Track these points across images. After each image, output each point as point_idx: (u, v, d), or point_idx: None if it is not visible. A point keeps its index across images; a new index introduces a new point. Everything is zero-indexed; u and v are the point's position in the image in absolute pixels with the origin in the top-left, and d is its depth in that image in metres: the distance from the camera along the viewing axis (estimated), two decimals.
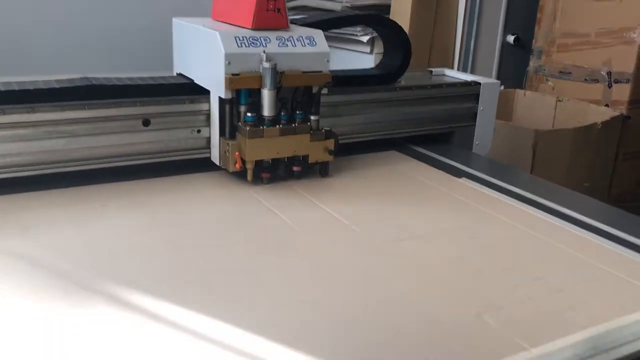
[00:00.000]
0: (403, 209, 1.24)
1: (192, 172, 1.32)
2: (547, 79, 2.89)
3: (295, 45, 1.26)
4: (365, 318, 0.84)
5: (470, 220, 1.20)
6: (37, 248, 0.97)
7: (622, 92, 2.60)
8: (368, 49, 3.04)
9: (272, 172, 1.29)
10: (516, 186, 1.42)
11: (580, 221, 1.22)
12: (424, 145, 1.73)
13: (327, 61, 1.30)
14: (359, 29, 2.94)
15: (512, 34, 3.08)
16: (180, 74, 1.44)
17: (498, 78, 3.13)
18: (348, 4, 2.88)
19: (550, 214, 1.25)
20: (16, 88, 1.18)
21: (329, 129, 1.32)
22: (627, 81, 2.58)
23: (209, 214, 1.15)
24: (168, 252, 0.99)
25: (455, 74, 1.88)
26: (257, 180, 1.28)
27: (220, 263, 0.97)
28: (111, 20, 2.82)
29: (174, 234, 1.05)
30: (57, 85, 1.21)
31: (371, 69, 1.73)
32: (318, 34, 1.31)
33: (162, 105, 1.26)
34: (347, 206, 1.21)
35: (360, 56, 3.01)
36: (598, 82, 2.67)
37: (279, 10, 1.25)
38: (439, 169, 1.54)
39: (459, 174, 1.51)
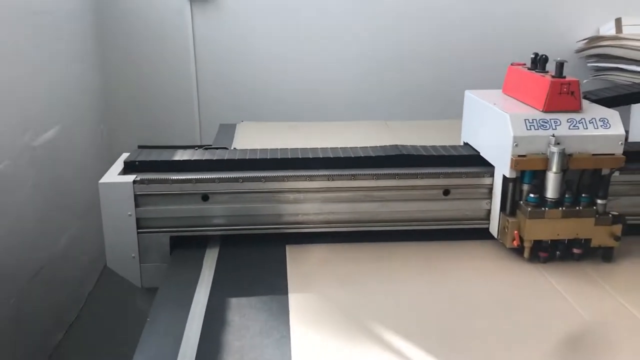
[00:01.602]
0: None
1: (473, 238, 1.41)
2: None
3: (587, 128, 1.25)
4: None
5: None
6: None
7: None
8: None
9: (551, 252, 1.29)
10: None
11: None
12: None
13: (621, 144, 1.25)
14: None
15: None
16: (466, 144, 1.53)
17: None
18: None
19: None
20: (341, 155, 1.43)
21: (617, 213, 1.27)
22: None
23: (487, 284, 1.23)
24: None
25: None
26: (535, 258, 1.29)
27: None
28: None
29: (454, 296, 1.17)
30: (372, 154, 1.43)
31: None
32: (613, 115, 1.27)
33: (462, 178, 1.39)
34: (636, 296, 1.15)
35: None
36: None
37: (572, 93, 1.26)
38: None
39: None
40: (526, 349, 1.01)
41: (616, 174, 1.29)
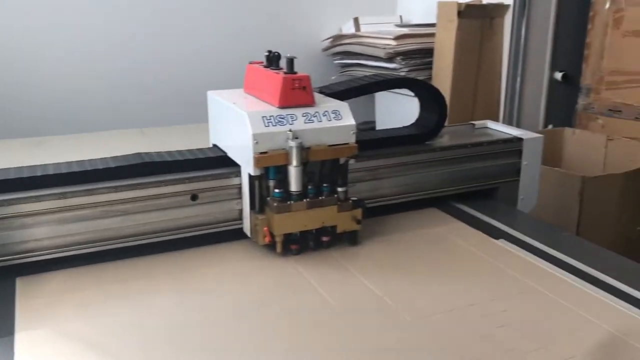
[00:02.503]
0: (435, 279, 1.24)
1: (230, 240, 1.38)
2: (596, 117, 2.81)
3: (321, 121, 1.30)
4: None
5: (505, 291, 1.19)
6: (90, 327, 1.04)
7: None
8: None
9: (302, 244, 1.31)
10: (558, 250, 1.39)
11: (625, 293, 1.18)
12: (466, 202, 1.72)
13: (353, 133, 1.32)
14: (402, 73, 2.97)
15: (560, 71, 3.02)
16: (215, 145, 1.50)
17: (546, 117, 3.08)
18: (391, 50, 2.91)
19: (590, 282, 1.22)
20: (76, 169, 1.28)
21: (356, 198, 1.34)
22: None
23: (242, 285, 1.20)
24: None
25: (498, 127, 1.87)
26: (288, 251, 1.31)
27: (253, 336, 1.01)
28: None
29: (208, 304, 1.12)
30: (113, 165, 1.30)
31: (406, 127, 1.75)
32: (343, 107, 1.34)
33: (209, 181, 1.34)
34: (378, 277, 1.23)
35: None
36: None
37: (304, 88, 1.29)
38: (478, 228, 1.53)
39: (497, 234, 1.49)
40: (274, 345, 1.01)
41: (352, 161, 1.36)
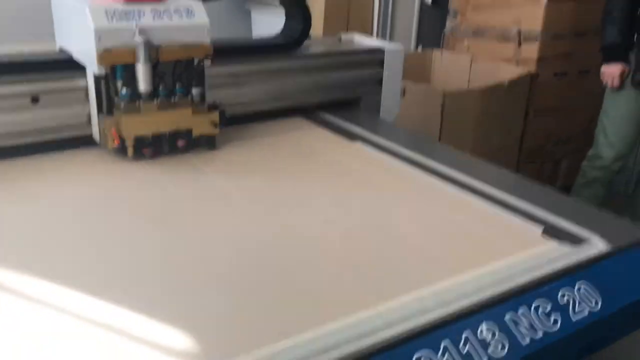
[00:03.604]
0: (286, 178, 1.26)
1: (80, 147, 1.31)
2: (462, 39, 2.94)
3: (172, 18, 1.24)
4: (230, 285, 0.86)
5: (350, 185, 1.25)
6: None
7: (531, 50, 2.67)
8: None
9: (155, 148, 1.28)
10: (406, 147, 1.46)
11: (460, 182, 1.27)
12: (331, 111, 1.74)
13: (207, 33, 1.28)
14: None
15: None
16: (61, 50, 1.39)
17: (417, 39, 3.18)
18: None
19: (430, 173, 1.30)
20: None
21: (213, 101, 1.32)
22: (536, 39, 2.65)
23: (89, 188, 1.16)
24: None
25: (363, 40, 1.89)
26: (140, 156, 1.27)
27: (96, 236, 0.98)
28: None
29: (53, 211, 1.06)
30: None
31: (272, 37, 1.73)
32: (197, 5, 1.29)
33: (51, 82, 1.25)
34: (230, 178, 1.23)
35: None
36: (509, 41, 2.74)
37: None
38: (338, 133, 1.57)
39: (355, 138, 1.54)
40: (112, 240, 0.99)
41: (207, 63, 1.32)
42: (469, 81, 2.81)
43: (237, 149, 1.39)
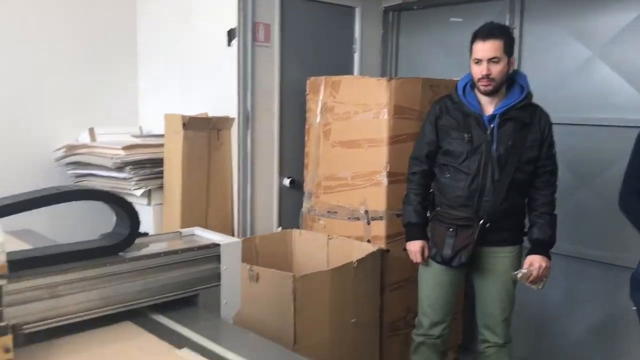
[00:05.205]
0: None
1: None
2: (318, 218, 3.06)
3: None
4: None
5: None
6: None
7: (379, 228, 2.82)
8: (145, 202, 3.04)
9: None
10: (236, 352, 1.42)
11: None
12: (166, 311, 1.68)
13: (1, 252, 1.23)
14: (133, 182, 2.95)
15: (288, 177, 3.27)
16: None
17: (279, 219, 3.27)
18: (119, 160, 2.89)
19: None
20: None
21: (5, 324, 1.23)
22: (381, 218, 2.81)
23: None
24: None
25: (204, 234, 1.91)
26: None
27: None
28: None
29: None
30: None
31: (97, 239, 1.70)
32: None
33: None
34: None
35: (140, 208, 3.00)
36: (359, 219, 2.89)
37: None
38: (164, 338, 1.50)
39: (184, 343, 1.48)
40: None
41: (3, 282, 1.25)
42: (327, 259, 2.89)
43: None
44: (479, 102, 2.38)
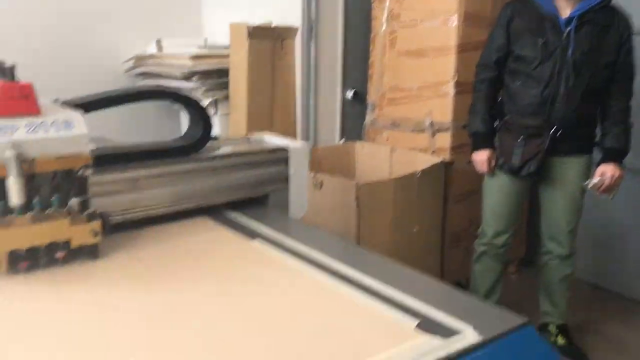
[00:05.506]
0: (169, 286, 1.24)
1: None
2: (381, 131, 3.05)
3: (48, 131, 1.26)
4: None
5: (234, 285, 1.25)
6: None
7: (445, 140, 2.78)
8: (212, 112, 3.09)
9: (31, 260, 1.25)
10: (304, 244, 1.47)
11: (347, 277, 1.27)
12: (238, 209, 1.75)
13: (86, 143, 1.29)
14: (200, 92, 3.00)
15: (352, 89, 3.24)
16: None
17: (342, 131, 3.28)
18: (187, 70, 2.93)
19: (319, 268, 1.31)
20: None
21: (92, 211, 1.31)
22: (447, 130, 2.77)
23: None
24: None
25: (271, 139, 1.95)
26: (16, 270, 1.23)
27: None
28: None
29: None
30: None
31: (173, 140, 1.76)
32: (76, 117, 1.31)
33: None
34: (111, 290, 1.20)
35: None
36: (424, 131, 2.85)
37: (27, 96, 1.25)
38: (238, 232, 1.57)
39: (255, 236, 1.55)
40: None
41: (89, 172, 1.32)
42: (390, 171, 2.89)
43: (121, 258, 1.36)
44: (554, 4, 2.25)
